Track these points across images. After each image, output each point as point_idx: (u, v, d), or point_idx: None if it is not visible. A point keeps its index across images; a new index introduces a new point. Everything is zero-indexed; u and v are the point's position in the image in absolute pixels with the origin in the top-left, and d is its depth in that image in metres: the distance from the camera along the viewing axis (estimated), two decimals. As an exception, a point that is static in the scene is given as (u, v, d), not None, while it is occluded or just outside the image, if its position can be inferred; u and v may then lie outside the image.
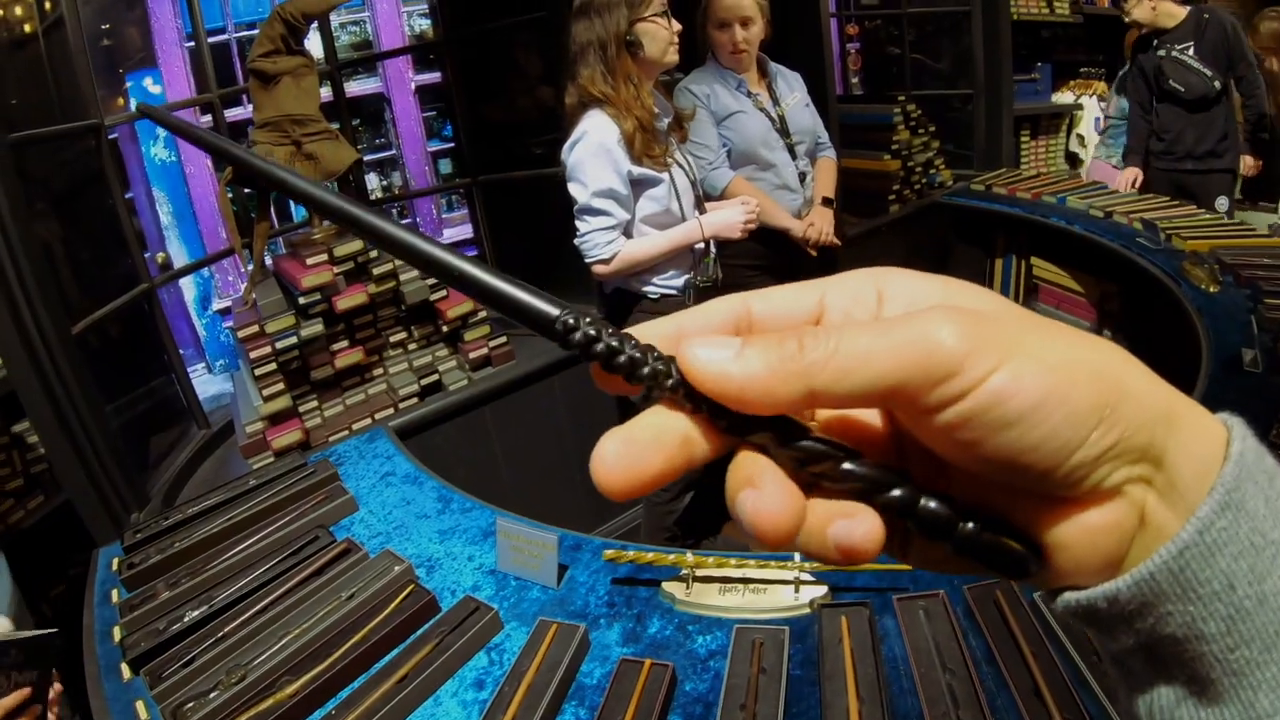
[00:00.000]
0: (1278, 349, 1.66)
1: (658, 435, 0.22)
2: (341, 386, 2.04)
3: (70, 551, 1.69)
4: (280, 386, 1.88)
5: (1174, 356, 1.92)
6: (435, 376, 2.10)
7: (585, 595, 1.20)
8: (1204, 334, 1.81)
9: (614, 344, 0.22)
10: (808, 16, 2.70)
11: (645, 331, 0.24)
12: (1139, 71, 3.15)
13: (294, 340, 1.88)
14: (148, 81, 4.65)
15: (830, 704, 0.90)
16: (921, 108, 3.19)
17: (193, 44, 4.19)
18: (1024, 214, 3.00)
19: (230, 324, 2.13)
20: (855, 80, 4.80)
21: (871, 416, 0.25)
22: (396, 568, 1.26)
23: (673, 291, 1.87)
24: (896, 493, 0.21)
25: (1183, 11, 2.99)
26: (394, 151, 5.92)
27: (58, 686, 1.12)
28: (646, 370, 0.22)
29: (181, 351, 2.29)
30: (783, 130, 2.23)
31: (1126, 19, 3.14)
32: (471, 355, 2.14)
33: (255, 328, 1.84)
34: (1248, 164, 3.19)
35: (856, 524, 0.21)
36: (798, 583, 1.10)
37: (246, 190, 2.31)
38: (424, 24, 5.68)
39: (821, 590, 1.09)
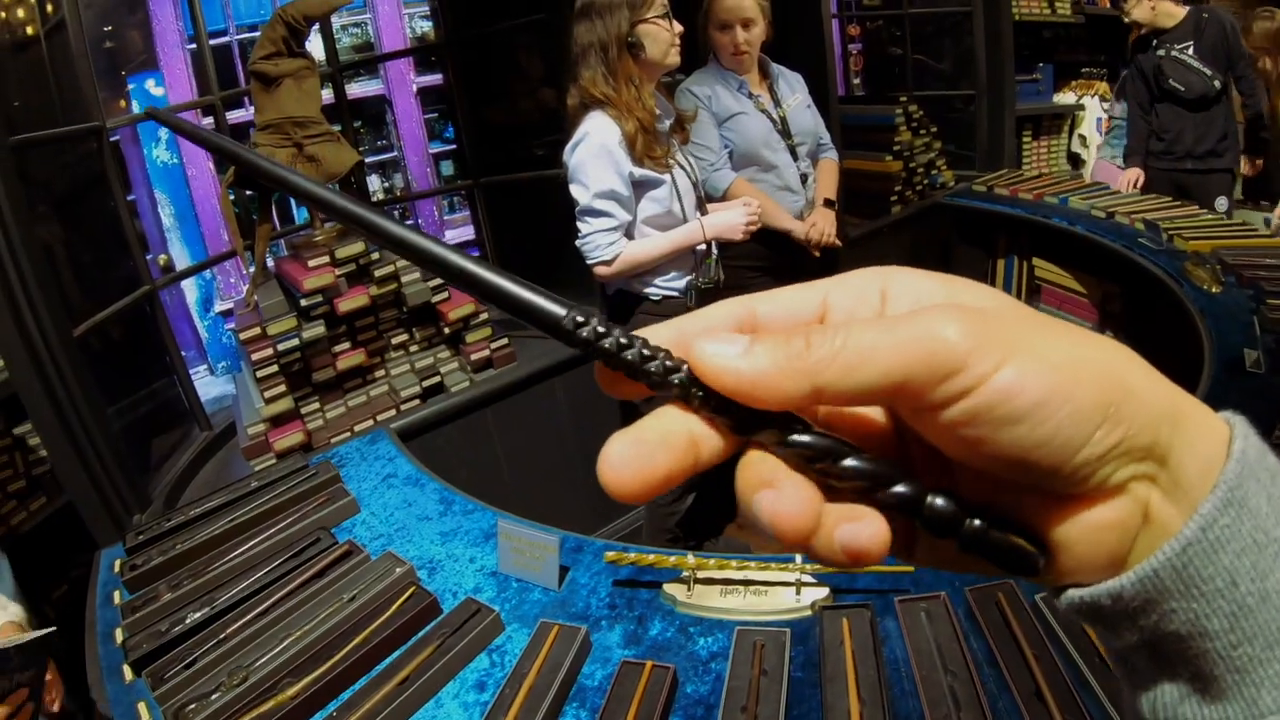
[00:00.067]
0: (1280, 350, 1.66)
1: (665, 436, 0.22)
2: (343, 388, 2.04)
3: (72, 553, 1.70)
4: (282, 388, 1.89)
5: (1176, 357, 1.91)
6: (437, 378, 2.11)
7: (587, 597, 1.20)
8: (1206, 335, 1.80)
9: (621, 340, 0.22)
10: (809, 17, 2.69)
11: (645, 337, 0.24)
12: (1138, 71, 3.15)
13: (296, 342, 1.88)
14: (149, 84, 4.65)
15: (832, 706, 0.90)
16: (923, 108, 3.19)
17: (194, 46, 4.18)
18: (1026, 215, 3.00)
19: (232, 326, 2.13)
20: (857, 81, 4.79)
21: (876, 415, 0.25)
22: (398, 569, 1.26)
23: (674, 293, 1.87)
24: (903, 489, 0.21)
25: (1182, 11, 2.99)
26: (395, 153, 5.92)
27: (53, 676, 1.11)
28: (654, 366, 0.22)
29: (183, 353, 2.29)
30: (784, 131, 2.23)
31: (1126, 19, 3.15)
32: (473, 357, 2.14)
33: (257, 330, 1.84)
34: (1246, 164, 3.18)
35: (863, 526, 0.21)
36: (799, 585, 1.10)
37: (248, 192, 2.32)
38: (425, 26, 5.68)
39: (823, 592, 1.09)
